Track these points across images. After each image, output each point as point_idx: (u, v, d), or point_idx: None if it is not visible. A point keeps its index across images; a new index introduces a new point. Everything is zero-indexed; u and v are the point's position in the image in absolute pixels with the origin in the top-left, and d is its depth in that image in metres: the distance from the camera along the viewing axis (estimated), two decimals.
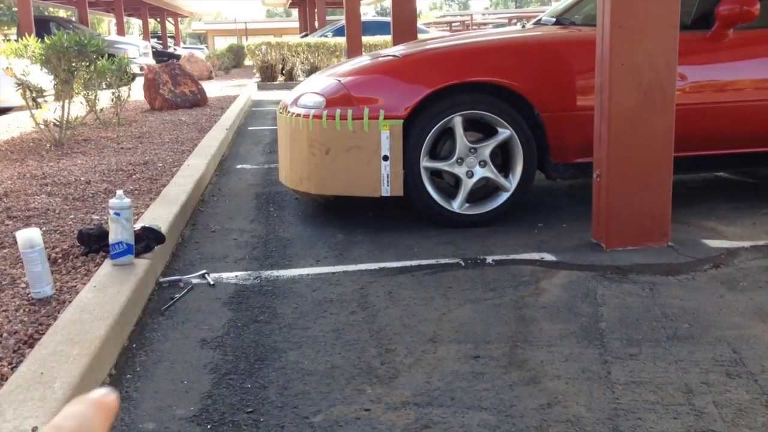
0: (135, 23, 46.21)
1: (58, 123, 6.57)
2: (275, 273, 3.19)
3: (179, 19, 39.09)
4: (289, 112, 3.98)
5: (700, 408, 1.96)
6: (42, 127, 6.51)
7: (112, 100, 8.22)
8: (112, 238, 2.93)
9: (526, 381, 2.14)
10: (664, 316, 2.57)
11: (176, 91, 9.87)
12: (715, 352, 2.29)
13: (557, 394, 2.06)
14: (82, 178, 4.98)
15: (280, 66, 15.83)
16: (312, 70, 15.22)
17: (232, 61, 21.12)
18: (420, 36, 8.87)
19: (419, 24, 15.46)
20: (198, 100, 10.06)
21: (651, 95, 3.24)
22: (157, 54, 22.74)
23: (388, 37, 11.28)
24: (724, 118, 3.89)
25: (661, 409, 1.96)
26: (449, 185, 3.90)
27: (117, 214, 2.90)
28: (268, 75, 15.70)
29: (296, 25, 30.14)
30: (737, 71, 3.93)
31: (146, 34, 28.91)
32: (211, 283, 3.08)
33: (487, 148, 3.75)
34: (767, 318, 2.53)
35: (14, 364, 2.13)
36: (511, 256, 3.30)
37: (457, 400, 2.04)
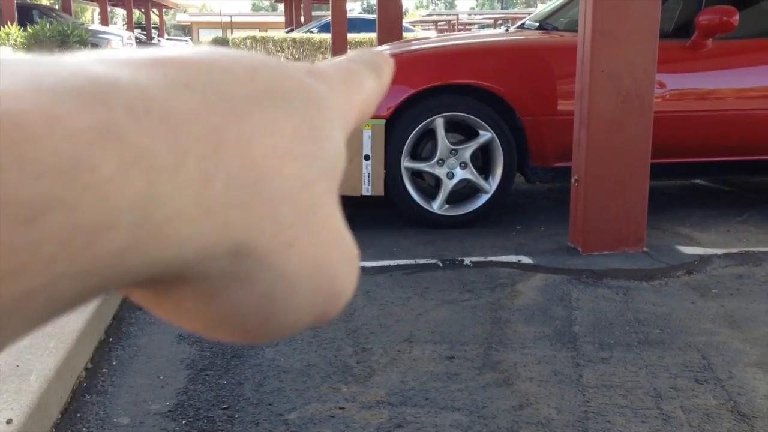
0: (119, 13, 45.88)
1: None
2: None
3: (164, 10, 38.85)
4: None
5: (668, 412, 2.00)
6: None
7: None
8: None
9: (499, 382, 2.17)
10: (636, 321, 2.62)
11: None
12: (685, 357, 2.33)
13: (529, 395, 2.09)
14: None
15: None
16: None
17: None
18: (405, 35, 8.90)
19: (405, 23, 15.48)
20: None
21: (630, 102, 3.29)
22: (141, 45, 22.60)
23: (374, 35, 11.29)
24: (701, 126, 3.95)
25: (630, 413, 2.00)
26: (430, 186, 3.93)
27: None
28: None
29: (282, 19, 30.09)
30: (715, 80, 4.00)
31: (130, 25, 28.70)
32: None
33: (468, 150, 3.78)
34: (736, 325, 2.58)
35: None
36: (489, 258, 3.34)
37: (431, 400, 2.07)
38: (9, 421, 1.73)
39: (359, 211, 4.19)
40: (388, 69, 0.28)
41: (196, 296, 0.19)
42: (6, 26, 6.67)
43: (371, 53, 0.27)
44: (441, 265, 3.26)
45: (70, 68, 0.16)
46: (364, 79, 0.25)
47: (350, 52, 0.27)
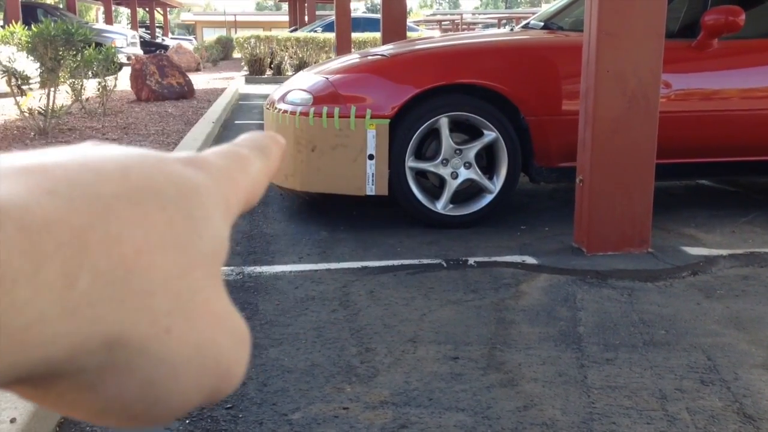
0: (123, 12, 45.95)
1: (43, 111, 6.53)
2: (258, 269, 3.20)
3: (168, 9, 38.87)
4: (276, 108, 3.98)
5: (674, 414, 1.99)
6: (27, 115, 6.47)
7: (98, 89, 8.18)
8: None
9: (504, 383, 2.17)
10: (641, 322, 2.61)
11: (163, 82, 9.83)
12: (690, 358, 2.32)
13: (534, 396, 2.09)
14: None
15: (269, 60, 15.79)
16: (301, 64, 15.19)
17: (221, 54, 21.06)
18: (409, 34, 8.89)
19: (409, 22, 15.48)
20: (185, 92, 10.03)
21: (635, 102, 3.28)
22: (145, 44, 22.62)
23: (378, 34, 11.28)
24: (707, 126, 3.94)
25: (635, 414, 1.99)
26: (434, 186, 3.92)
27: None
28: (256, 68, 15.66)
29: (286, 19, 30.10)
30: (721, 81, 3.98)
31: (134, 24, 28.73)
32: None
33: (472, 149, 3.77)
34: (742, 326, 2.57)
35: None
36: (493, 258, 3.33)
37: (435, 400, 2.07)
38: (13, 420, 1.73)
39: (363, 211, 4.18)
40: (276, 149, 0.28)
41: (76, 389, 0.19)
42: (10, 25, 6.68)
43: (258, 136, 0.28)
44: (445, 265, 3.25)
45: None
46: (250, 163, 0.26)
47: (239, 136, 0.28)
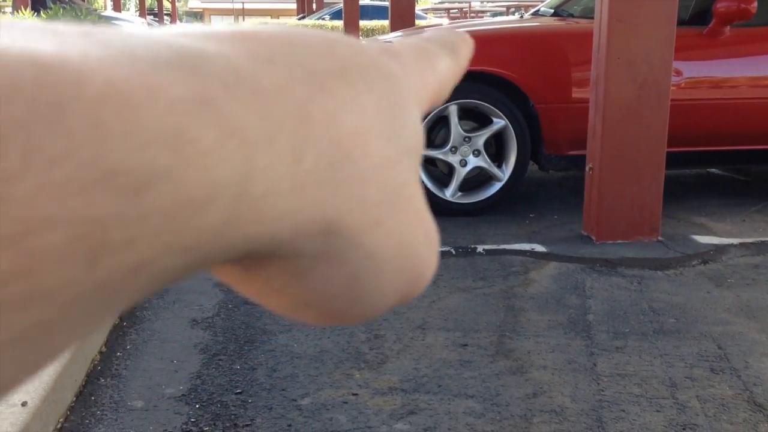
0: None
1: None
2: None
3: None
4: None
5: (683, 402, 1.99)
6: None
7: None
8: None
9: (513, 370, 2.17)
10: (651, 310, 2.60)
11: None
12: (700, 347, 2.32)
13: (543, 384, 2.09)
14: None
15: None
16: None
17: None
18: (418, 22, 8.86)
19: (417, 10, 15.42)
20: None
21: (646, 90, 3.26)
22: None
23: (386, 22, 11.24)
24: (718, 114, 3.91)
25: (645, 402, 1.99)
26: (443, 173, 3.91)
27: None
28: None
29: (294, 6, 30.03)
30: (733, 68, 3.95)
31: (143, 11, 28.70)
32: None
33: (481, 137, 3.76)
34: (752, 315, 2.56)
35: None
36: (502, 246, 3.33)
37: (444, 387, 2.07)
38: (24, 404, 1.74)
39: None
40: (466, 49, 0.27)
41: (286, 275, 0.19)
42: (19, 12, 6.69)
43: (447, 32, 0.27)
44: (454, 252, 3.25)
45: (158, 40, 0.16)
46: (437, 60, 0.25)
47: (426, 31, 0.26)
